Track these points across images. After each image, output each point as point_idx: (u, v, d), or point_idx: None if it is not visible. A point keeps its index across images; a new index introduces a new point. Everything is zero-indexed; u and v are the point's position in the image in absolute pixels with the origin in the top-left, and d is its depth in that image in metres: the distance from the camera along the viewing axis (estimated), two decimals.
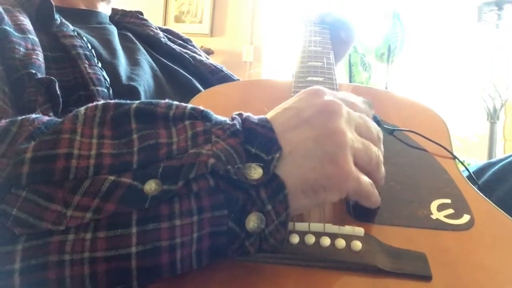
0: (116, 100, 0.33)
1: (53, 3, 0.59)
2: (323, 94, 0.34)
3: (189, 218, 0.28)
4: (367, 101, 0.49)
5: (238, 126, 0.31)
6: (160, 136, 0.31)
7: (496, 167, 0.58)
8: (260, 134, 0.31)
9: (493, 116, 2.35)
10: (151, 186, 0.28)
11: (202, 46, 2.58)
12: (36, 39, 0.53)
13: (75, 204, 0.28)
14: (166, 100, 0.33)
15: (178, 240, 0.28)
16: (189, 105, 0.33)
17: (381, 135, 0.37)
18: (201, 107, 0.33)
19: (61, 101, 0.48)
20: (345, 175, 0.31)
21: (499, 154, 2.26)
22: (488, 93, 2.35)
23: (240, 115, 0.33)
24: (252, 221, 0.29)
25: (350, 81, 2.57)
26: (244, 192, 0.29)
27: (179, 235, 0.28)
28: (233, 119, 0.33)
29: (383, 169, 0.36)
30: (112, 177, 0.29)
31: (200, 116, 0.33)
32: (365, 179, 0.33)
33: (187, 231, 0.28)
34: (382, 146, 0.37)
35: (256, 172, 0.29)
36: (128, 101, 0.33)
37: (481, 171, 0.59)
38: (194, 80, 0.70)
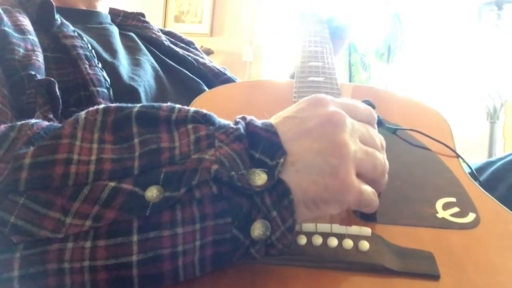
0: (117, 104, 0.33)
1: (53, 3, 0.58)
2: (326, 104, 0.33)
3: (191, 226, 0.28)
4: (369, 103, 0.49)
5: (242, 131, 0.31)
6: (162, 141, 0.30)
7: (496, 166, 0.58)
8: (264, 138, 0.30)
9: (493, 116, 2.35)
10: (152, 193, 0.27)
11: (202, 46, 2.58)
12: (36, 39, 0.53)
13: (74, 212, 0.27)
14: (168, 103, 0.33)
15: (180, 248, 0.27)
16: (192, 108, 0.33)
17: (383, 143, 0.36)
18: (204, 110, 0.33)
19: (60, 102, 0.47)
20: (346, 189, 0.30)
21: (499, 154, 2.26)
22: (488, 93, 2.35)
23: (243, 118, 0.32)
24: (258, 229, 0.28)
25: (350, 81, 2.57)
26: (248, 199, 0.28)
27: (181, 243, 0.27)
28: (236, 123, 0.32)
29: (386, 175, 0.35)
30: (112, 183, 0.28)
31: (203, 119, 0.32)
32: (367, 189, 0.32)
33: (189, 239, 0.27)
34: (385, 154, 0.36)
35: (260, 178, 0.29)
36: (130, 105, 0.32)
37: (480, 170, 0.59)
38: (197, 81, 0.69)
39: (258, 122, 0.32)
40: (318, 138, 0.31)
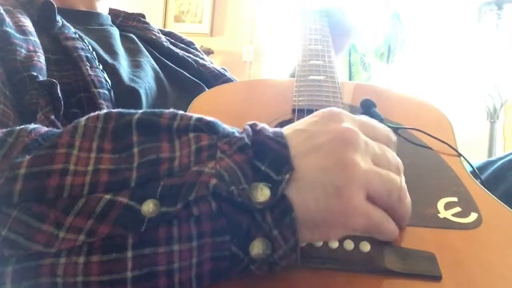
0: (119, 110, 0.32)
1: (55, 5, 0.58)
2: (340, 119, 0.31)
3: (188, 243, 0.27)
4: (370, 101, 0.49)
5: (246, 140, 0.29)
6: (162, 151, 0.29)
7: (496, 165, 0.58)
8: (273, 150, 0.29)
9: (493, 116, 2.35)
10: (149, 207, 0.27)
11: (202, 46, 2.57)
12: (38, 40, 0.53)
13: (67, 225, 0.26)
14: (171, 110, 0.32)
15: (176, 265, 0.26)
16: (195, 116, 0.31)
17: (401, 167, 0.33)
18: (208, 118, 0.31)
19: (62, 103, 0.47)
20: (349, 212, 0.28)
21: (499, 154, 2.26)
22: (488, 93, 2.35)
23: (254, 125, 0.31)
24: (257, 248, 0.27)
25: (350, 81, 2.57)
26: (249, 216, 0.27)
27: (178, 260, 0.26)
28: (244, 130, 0.31)
29: (408, 200, 0.32)
30: (108, 196, 0.27)
31: (206, 128, 0.30)
32: (376, 213, 0.30)
33: (186, 256, 0.27)
34: (402, 178, 0.32)
35: (262, 194, 0.27)
36: (132, 111, 0.32)
37: (480, 169, 0.59)
38: (197, 82, 0.69)
39: (269, 131, 0.30)
40: (326, 155, 0.29)
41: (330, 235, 0.29)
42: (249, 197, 0.27)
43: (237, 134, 0.30)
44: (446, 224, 0.35)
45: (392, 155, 0.33)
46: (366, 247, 0.31)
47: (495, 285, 0.30)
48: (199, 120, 0.31)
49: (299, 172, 0.29)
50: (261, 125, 0.31)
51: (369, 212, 0.29)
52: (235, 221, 0.27)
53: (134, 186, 0.28)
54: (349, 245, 0.32)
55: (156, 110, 0.32)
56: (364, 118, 0.33)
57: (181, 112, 0.32)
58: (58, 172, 0.28)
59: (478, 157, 0.62)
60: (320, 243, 0.32)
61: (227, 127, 0.31)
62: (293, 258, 0.28)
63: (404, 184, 0.32)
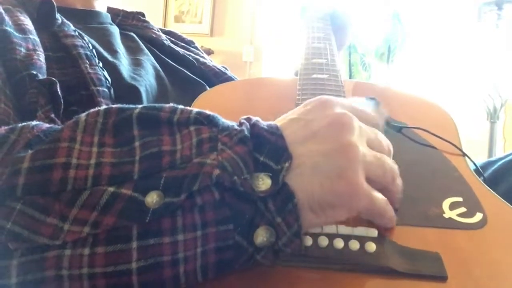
0: (119, 105, 0.32)
1: (54, 2, 0.58)
2: (332, 105, 0.32)
3: (192, 233, 0.27)
4: (375, 101, 0.49)
5: (246, 132, 0.30)
6: (163, 144, 0.30)
7: (496, 166, 0.58)
8: (270, 141, 0.30)
9: (493, 116, 2.35)
10: (152, 198, 0.27)
11: (202, 46, 2.57)
12: (37, 39, 0.53)
13: (72, 218, 0.27)
14: (171, 104, 0.32)
15: (181, 255, 0.27)
16: (195, 109, 0.32)
17: (391, 148, 0.34)
18: (208, 111, 0.32)
19: (62, 102, 0.47)
20: (354, 192, 0.29)
21: (499, 154, 2.26)
22: (488, 93, 2.35)
23: (248, 119, 0.32)
24: (261, 236, 0.27)
25: None
26: (251, 205, 0.28)
27: (182, 250, 0.27)
28: (241, 124, 0.31)
29: (399, 181, 0.34)
30: (111, 189, 0.27)
31: (206, 121, 0.31)
32: (378, 196, 0.31)
33: (190, 246, 0.27)
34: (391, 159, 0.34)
35: (264, 183, 0.28)
36: (131, 106, 0.32)
37: (481, 169, 0.59)
38: (198, 81, 0.69)
39: (264, 124, 0.31)
40: (324, 140, 0.30)
41: (335, 217, 0.30)
42: (251, 186, 0.28)
43: (236, 127, 0.31)
44: (451, 224, 0.35)
45: (383, 138, 0.34)
46: (371, 247, 0.31)
47: (501, 285, 0.30)
48: (199, 113, 0.31)
49: (299, 159, 0.29)
50: (255, 118, 0.32)
51: (371, 193, 0.30)
52: (238, 210, 0.27)
53: (137, 179, 0.28)
54: (354, 245, 0.31)
55: (156, 104, 0.32)
56: (353, 102, 0.35)
57: (181, 106, 0.32)
58: (61, 165, 0.28)
59: (478, 158, 0.61)
60: (325, 243, 0.31)
61: (226, 120, 0.32)
62: (297, 244, 0.28)
63: (395, 165, 0.33)
